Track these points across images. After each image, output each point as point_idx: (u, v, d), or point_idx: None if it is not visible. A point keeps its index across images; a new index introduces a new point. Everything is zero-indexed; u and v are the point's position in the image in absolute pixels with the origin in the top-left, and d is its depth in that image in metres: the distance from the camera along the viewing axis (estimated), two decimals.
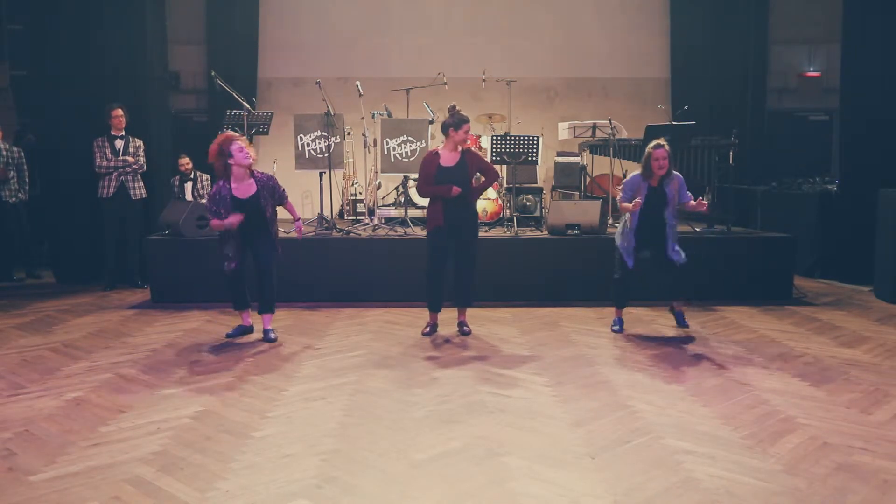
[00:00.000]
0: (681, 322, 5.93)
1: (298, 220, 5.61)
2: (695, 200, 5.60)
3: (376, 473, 3.24)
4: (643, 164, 5.63)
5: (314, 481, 3.15)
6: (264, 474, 3.22)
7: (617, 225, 7.57)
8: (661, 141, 5.61)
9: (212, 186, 5.43)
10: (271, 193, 5.41)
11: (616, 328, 5.87)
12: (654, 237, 5.64)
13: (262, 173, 5.44)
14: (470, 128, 5.52)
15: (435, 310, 5.73)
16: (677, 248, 5.64)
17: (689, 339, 5.58)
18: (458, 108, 5.50)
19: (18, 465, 3.32)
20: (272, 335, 5.53)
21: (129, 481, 3.15)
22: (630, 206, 5.52)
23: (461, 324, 5.79)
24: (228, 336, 5.61)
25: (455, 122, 5.45)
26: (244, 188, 5.33)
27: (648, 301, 6.68)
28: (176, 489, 3.07)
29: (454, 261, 5.58)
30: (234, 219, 5.21)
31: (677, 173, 5.68)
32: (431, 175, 5.44)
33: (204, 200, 8.11)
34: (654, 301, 6.57)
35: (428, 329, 5.73)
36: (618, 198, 5.92)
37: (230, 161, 5.23)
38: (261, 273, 5.50)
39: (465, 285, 5.62)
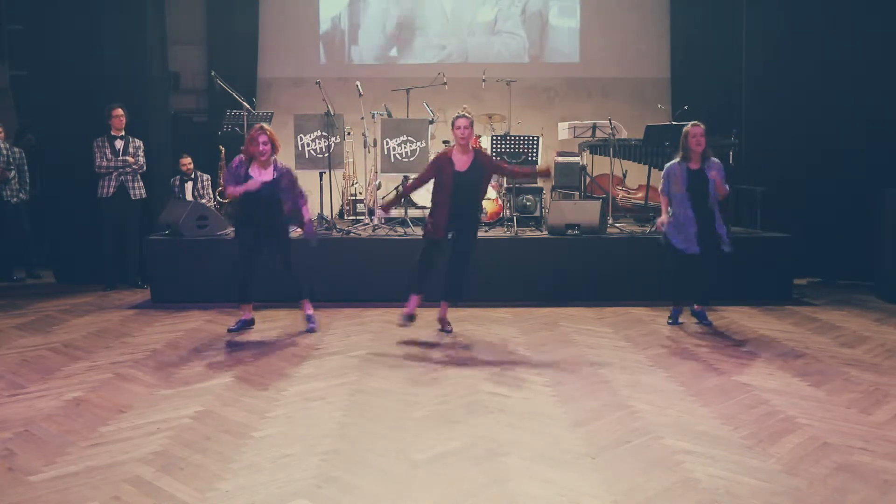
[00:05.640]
0: (704, 320, 5.89)
1: (310, 222, 5.72)
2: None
3: (376, 473, 3.24)
4: (681, 146, 5.62)
5: (314, 481, 3.15)
6: (264, 474, 3.22)
7: (618, 226, 7.62)
8: (696, 122, 5.62)
9: (224, 171, 5.64)
10: (288, 184, 5.54)
11: (670, 321, 5.96)
12: (702, 226, 5.58)
13: (283, 165, 5.59)
14: (464, 123, 5.39)
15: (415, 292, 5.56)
16: (727, 238, 5.60)
17: (690, 339, 5.58)
18: (465, 108, 5.51)
19: (18, 465, 3.32)
20: (313, 323, 5.73)
21: (129, 481, 3.15)
22: (663, 219, 5.64)
23: (442, 321, 5.73)
24: (230, 330, 5.65)
25: (452, 122, 5.46)
26: (263, 173, 5.49)
27: (648, 301, 6.68)
28: (176, 489, 3.08)
29: (450, 253, 5.53)
30: (251, 184, 5.40)
31: (716, 160, 5.63)
32: (445, 180, 5.36)
33: (204, 200, 8.12)
34: (654, 301, 6.57)
35: (402, 319, 5.55)
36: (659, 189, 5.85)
37: (252, 149, 5.44)
38: (283, 265, 5.65)
39: (454, 281, 5.55)
